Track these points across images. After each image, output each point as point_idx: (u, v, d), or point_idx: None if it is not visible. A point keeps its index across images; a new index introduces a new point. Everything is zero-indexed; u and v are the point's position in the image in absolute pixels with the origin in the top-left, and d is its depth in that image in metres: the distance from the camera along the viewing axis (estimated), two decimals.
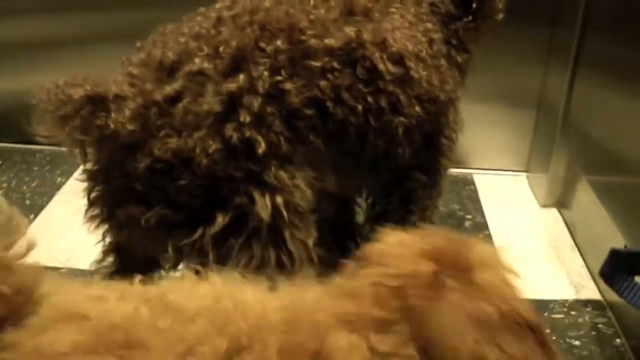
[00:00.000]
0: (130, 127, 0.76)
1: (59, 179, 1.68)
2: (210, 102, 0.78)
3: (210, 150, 0.77)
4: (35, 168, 1.74)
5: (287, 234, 0.83)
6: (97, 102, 0.75)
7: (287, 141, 0.82)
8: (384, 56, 0.90)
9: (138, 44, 0.87)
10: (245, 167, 0.79)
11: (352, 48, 0.88)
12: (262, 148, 0.79)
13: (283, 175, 0.82)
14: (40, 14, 1.72)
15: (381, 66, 0.89)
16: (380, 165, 1.01)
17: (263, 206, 0.79)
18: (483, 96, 1.61)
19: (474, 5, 1.08)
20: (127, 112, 0.76)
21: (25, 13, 1.73)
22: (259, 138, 0.79)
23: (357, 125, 0.90)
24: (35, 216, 1.53)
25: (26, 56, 1.76)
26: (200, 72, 0.79)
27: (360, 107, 0.89)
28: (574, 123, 1.53)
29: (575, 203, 1.54)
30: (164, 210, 0.79)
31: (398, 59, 0.92)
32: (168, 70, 0.80)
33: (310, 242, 0.86)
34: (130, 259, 0.95)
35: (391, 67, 0.90)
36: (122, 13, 1.69)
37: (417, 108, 0.95)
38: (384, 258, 0.60)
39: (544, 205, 1.62)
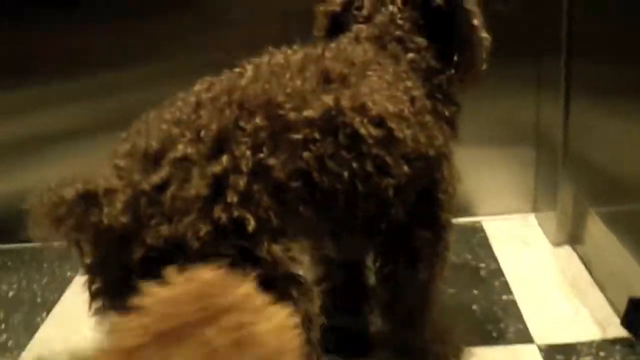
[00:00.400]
0: (122, 219, 0.77)
1: (68, 274, 1.67)
2: (197, 186, 0.79)
3: (201, 233, 0.78)
4: (45, 265, 1.74)
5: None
6: (89, 200, 0.76)
7: (276, 215, 0.82)
8: (365, 120, 0.90)
9: (123, 135, 0.88)
10: (237, 244, 0.80)
11: (331, 116, 0.88)
12: (251, 225, 0.79)
13: (276, 248, 0.82)
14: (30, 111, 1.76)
15: (362, 130, 0.90)
16: (376, 227, 1.00)
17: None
18: (479, 140, 1.61)
19: (455, 58, 1.09)
20: (119, 205, 0.77)
21: (21, 112, 1.77)
22: (248, 216, 0.79)
23: (345, 191, 0.90)
24: (48, 313, 1.52)
25: (29, 153, 1.79)
26: (185, 158, 0.80)
27: (346, 174, 0.89)
28: (575, 154, 1.52)
29: (588, 237, 1.52)
30: None
31: (379, 122, 0.92)
32: (153, 159, 0.81)
33: (306, 314, 0.85)
34: None
35: (373, 130, 0.90)
36: (109, 100, 1.72)
37: (405, 167, 0.95)
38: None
39: (556, 244, 1.60)
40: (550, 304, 1.40)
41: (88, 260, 0.85)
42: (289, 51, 0.97)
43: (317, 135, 0.86)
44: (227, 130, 0.82)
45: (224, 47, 1.62)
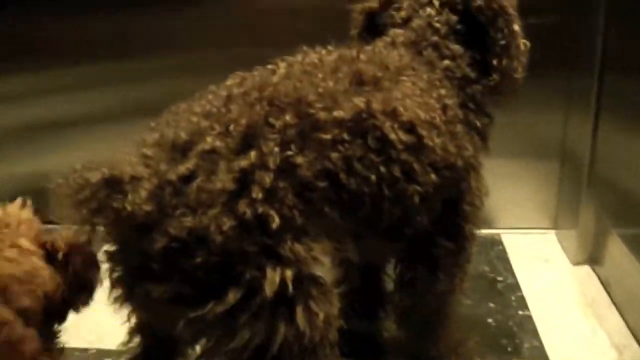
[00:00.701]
0: (146, 207, 0.77)
1: None
2: (223, 180, 0.78)
3: (225, 228, 0.77)
4: None
5: (299, 308, 0.82)
6: (114, 185, 0.76)
7: (301, 214, 0.82)
8: (395, 125, 0.89)
9: (152, 124, 0.88)
10: (260, 241, 0.79)
11: (362, 118, 0.88)
12: (275, 223, 0.79)
13: (299, 248, 0.81)
14: (52, 95, 1.76)
15: (392, 135, 0.89)
16: (400, 233, 0.99)
17: (272, 280, 0.78)
18: (504, 152, 1.59)
19: (492, 66, 1.07)
20: (143, 193, 0.77)
21: (40, 95, 1.78)
22: (272, 213, 0.79)
23: (371, 194, 0.89)
24: None
25: (47, 137, 1.79)
26: (213, 151, 0.80)
27: (373, 177, 0.88)
28: (600, 174, 1.50)
29: (608, 258, 1.50)
30: (178, 286, 0.79)
31: (409, 127, 0.91)
32: (181, 150, 0.81)
33: (325, 315, 0.84)
34: (154, 339, 0.95)
35: (403, 136, 0.90)
36: (134, 89, 1.73)
37: (433, 176, 0.93)
38: None
39: (576, 263, 1.58)
40: (567, 323, 1.39)
41: (109, 248, 0.85)
42: (324, 51, 0.97)
43: (346, 137, 0.85)
44: (256, 126, 0.82)
45: (246, 40, 1.64)
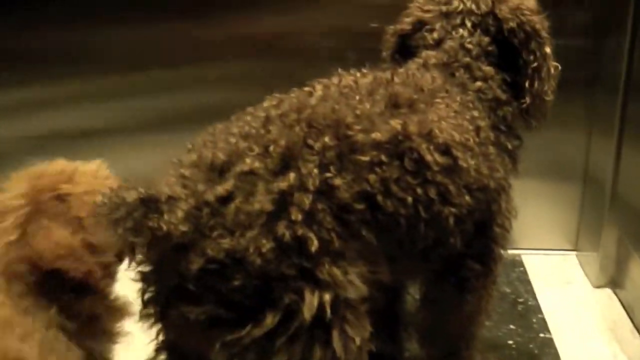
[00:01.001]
0: (182, 228, 0.76)
1: None
2: (262, 201, 0.78)
3: (264, 250, 0.77)
4: None
5: (335, 332, 0.82)
6: (150, 204, 0.76)
7: (338, 237, 0.81)
8: (431, 147, 0.90)
9: (188, 145, 0.89)
10: (298, 264, 0.79)
11: (398, 141, 0.88)
12: (314, 245, 0.78)
13: (336, 271, 0.81)
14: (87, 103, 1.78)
15: (428, 157, 0.89)
16: (432, 255, 0.99)
17: (310, 304, 0.78)
18: (526, 173, 1.56)
19: (523, 88, 1.07)
20: (180, 214, 0.77)
21: (74, 103, 1.78)
22: (311, 235, 0.78)
23: (408, 216, 0.89)
24: None
25: (59, 148, 1.79)
26: (251, 172, 0.79)
27: (409, 199, 0.88)
28: (623, 196, 1.50)
29: (629, 282, 1.49)
30: (215, 309, 0.79)
31: (445, 150, 0.91)
32: (219, 171, 0.80)
33: (361, 339, 0.84)
34: (182, 357, 0.94)
35: (438, 158, 0.90)
36: (158, 100, 1.74)
37: (467, 197, 0.94)
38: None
39: (597, 285, 1.57)
40: (588, 347, 1.38)
41: (143, 268, 0.85)
42: (358, 73, 0.97)
43: (383, 159, 0.85)
44: (295, 147, 0.82)
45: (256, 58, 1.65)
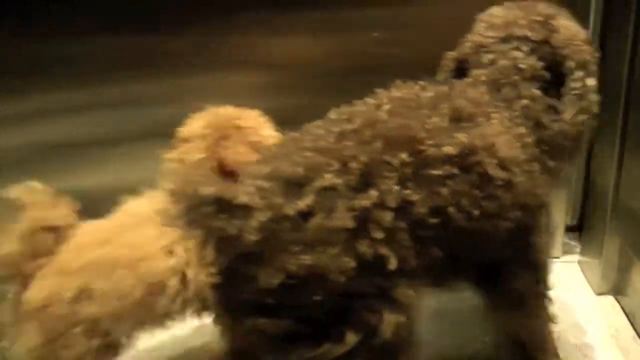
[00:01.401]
0: (254, 237, 0.75)
1: None
2: (343, 218, 0.77)
3: (346, 268, 0.76)
4: None
5: (403, 355, 0.83)
6: (223, 204, 0.76)
7: (413, 255, 0.82)
8: (494, 161, 0.91)
9: (258, 157, 0.90)
10: (378, 284, 0.78)
11: (466, 154, 0.89)
12: (392, 264, 0.78)
13: (410, 293, 0.81)
14: (82, 113, 1.77)
15: (491, 171, 0.90)
16: (485, 267, 1.01)
17: (389, 324, 0.78)
18: None
19: (563, 113, 1.07)
20: (254, 223, 0.76)
21: (70, 113, 1.78)
22: (391, 253, 0.78)
23: (471, 230, 0.89)
24: None
25: (77, 157, 1.80)
26: (331, 188, 0.79)
27: (476, 212, 0.88)
28: (625, 203, 1.50)
29: (632, 289, 1.49)
30: (293, 324, 0.78)
31: (503, 165, 0.93)
32: (297, 185, 0.79)
33: None
34: None
35: (499, 172, 0.91)
36: (158, 109, 1.74)
37: (518, 212, 0.95)
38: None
39: (600, 293, 1.57)
40: (590, 354, 1.38)
41: (214, 279, 0.83)
42: (417, 87, 0.98)
43: (454, 171, 0.86)
44: (375, 164, 0.82)
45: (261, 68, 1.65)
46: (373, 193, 0.79)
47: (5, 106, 1.72)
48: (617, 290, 1.55)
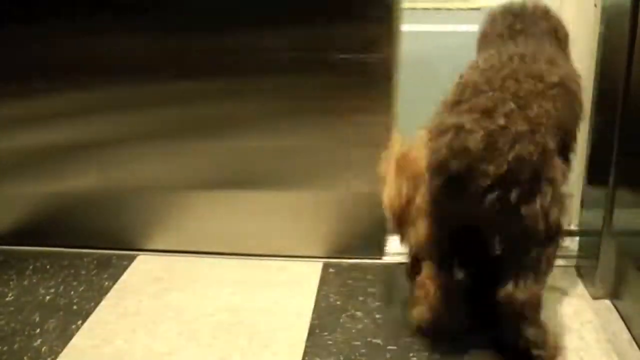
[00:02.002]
0: (479, 146, 1.23)
1: (105, 283, 1.70)
2: (523, 124, 1.25)
3: (533, 152, 1.24)
4: (83, 272, 1.77)
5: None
6: (459, 131, 1.24)
7: (553, 139, 1.31)
8: (575, 84, 1.45)
9: (449, 98, 1.33)
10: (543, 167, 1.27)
11: (562, 81, 1.38)
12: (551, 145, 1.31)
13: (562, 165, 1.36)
14: (82, 116, 1.79)
15: (574, 88, 1.45)
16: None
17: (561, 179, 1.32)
18: None
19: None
20: (478, 137, 1.23)
21: (65, 117, 1.80)
22: (550, 140, 1.30)
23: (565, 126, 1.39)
24: (83, 322, 1.55)
25: (70, 159, 1.81)
26: (511, 111, 1.25)
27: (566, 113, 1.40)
28: (622, 208, 1.50)
29: (629, 294, 1.49)
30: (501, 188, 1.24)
31: (579, 86, 1.47)
32: (491, 112, 1.25)
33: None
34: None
35: (578, 91, 1.46)
36: (164, 110, 1.75)
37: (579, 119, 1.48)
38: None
39: (596, 297, 1.58)
40: (587, 358, 1.38)
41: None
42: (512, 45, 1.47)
43: (561, 92, 1.37)
44: (527, 92, 1.29)
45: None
46: (536, 110, 1.26)
47: (6, 106, 1.74)
48: (614, 294, 1.55)
